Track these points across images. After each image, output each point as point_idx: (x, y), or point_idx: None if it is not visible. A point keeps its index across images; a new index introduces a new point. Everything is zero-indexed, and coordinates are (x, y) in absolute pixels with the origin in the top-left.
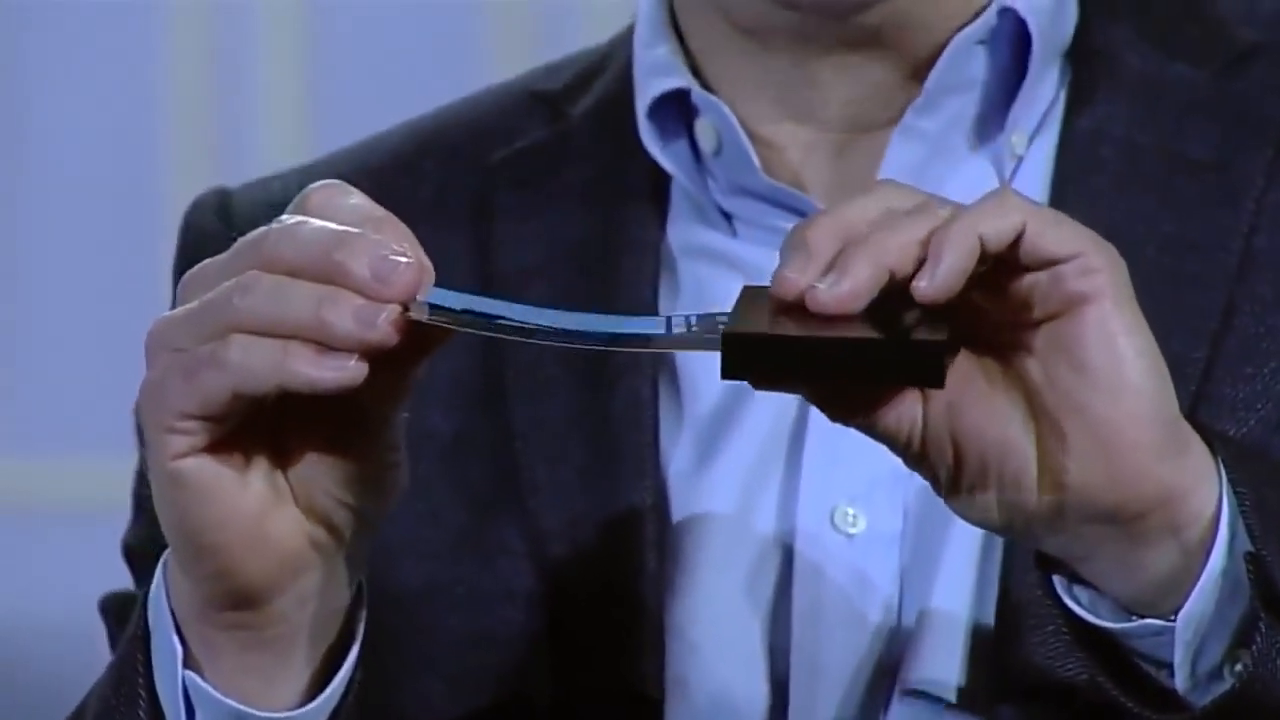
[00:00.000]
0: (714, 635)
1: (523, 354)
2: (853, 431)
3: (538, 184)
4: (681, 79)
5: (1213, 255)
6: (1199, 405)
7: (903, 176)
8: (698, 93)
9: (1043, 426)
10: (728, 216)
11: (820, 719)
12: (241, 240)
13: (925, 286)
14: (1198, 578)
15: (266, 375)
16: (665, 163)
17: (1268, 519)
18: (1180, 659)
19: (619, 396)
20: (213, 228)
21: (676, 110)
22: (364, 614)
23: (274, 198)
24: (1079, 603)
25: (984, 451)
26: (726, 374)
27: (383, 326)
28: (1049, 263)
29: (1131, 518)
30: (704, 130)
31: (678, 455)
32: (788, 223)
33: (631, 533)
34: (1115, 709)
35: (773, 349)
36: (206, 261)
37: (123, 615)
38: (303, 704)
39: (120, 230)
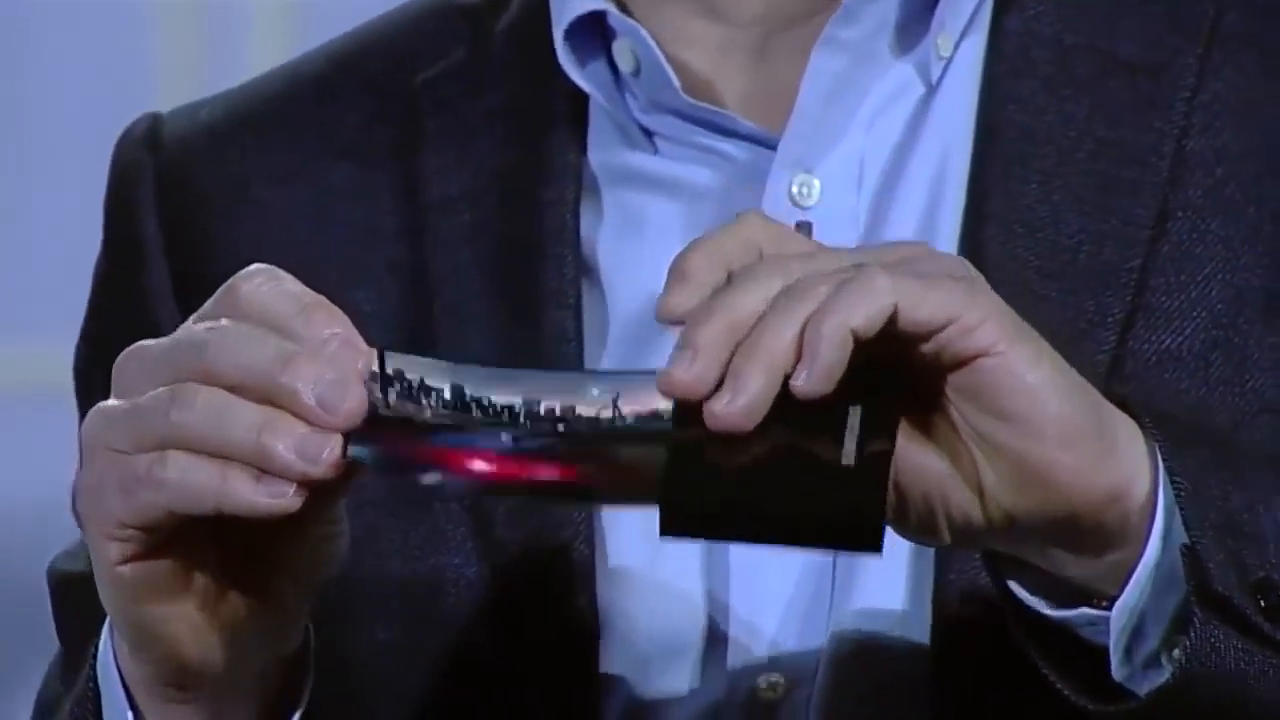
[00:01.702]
0: (648, 566)
1: (449, 290)
2: None
3: (460, 108)
4: (597, 0)
5: (1146, 160)
6: (1136, 316)
7: (825, 88)
8: (614, 15)
9: (977, 465)
10: (649, 134)
11: (759, 647)
12: (182, 332)
13: (802, 385)
14: (1133, 569)
15: (204, 498)
16: (584, 84)
17: (1205, 507)
18: (1115, 647)
19: (544, 330)
20: (141, 158)
21: (594, 31)
22: (311, 657)
23: (200, 125)
24: (1022, 589)
25: (926, 491)
26: (664, 534)
27: (325, 463)
28: (930, 333)
29: (1076, 523)
30: (621, 52)
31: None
32: (709, 139)
33: None
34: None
35: (709, 518)
36: (144, 345)
37: (67, 595)
38: None
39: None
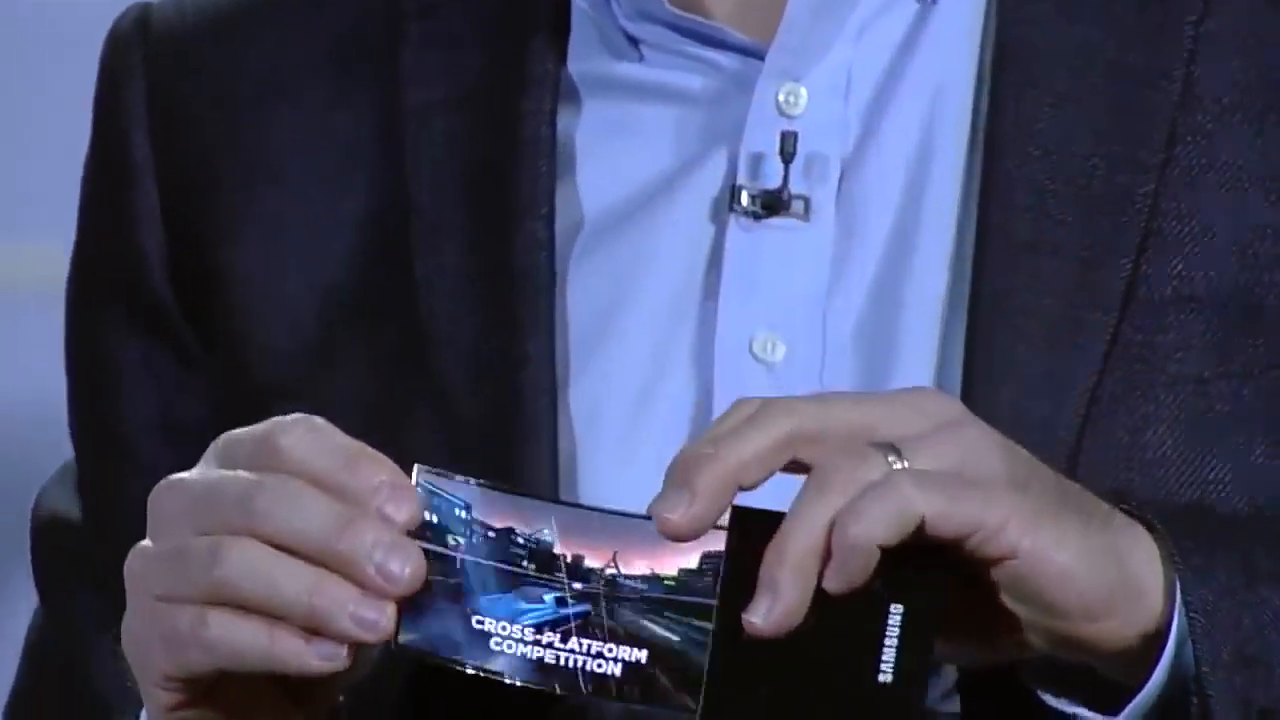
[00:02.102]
0: (627, 479)
1: (425, 200)
2: (770, 256)
3: (443, 14)
4: None
5: (1155, 83)
6: (1149, 241)
7: (813, 1)
8: None
9: (1013, 627)
10: (634, 42)
11: None
12: (223, 478)
13: (831, 586)
14: (1138, 689)
15: (251, 659)
16: None
17: (1218, 643)
18: None
19: (516, 241)
20: (130, 61)
21: None
22: None
23: (188, 26)
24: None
25: (961, 642)
26: None
27: (382, 631)
28: (958, 539)
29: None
30: None
31: (586, 294)
32: (697, 49)
33: (531, 383)
34: None
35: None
36: (183, 481)
37: (51, 542)
38: None
39: None
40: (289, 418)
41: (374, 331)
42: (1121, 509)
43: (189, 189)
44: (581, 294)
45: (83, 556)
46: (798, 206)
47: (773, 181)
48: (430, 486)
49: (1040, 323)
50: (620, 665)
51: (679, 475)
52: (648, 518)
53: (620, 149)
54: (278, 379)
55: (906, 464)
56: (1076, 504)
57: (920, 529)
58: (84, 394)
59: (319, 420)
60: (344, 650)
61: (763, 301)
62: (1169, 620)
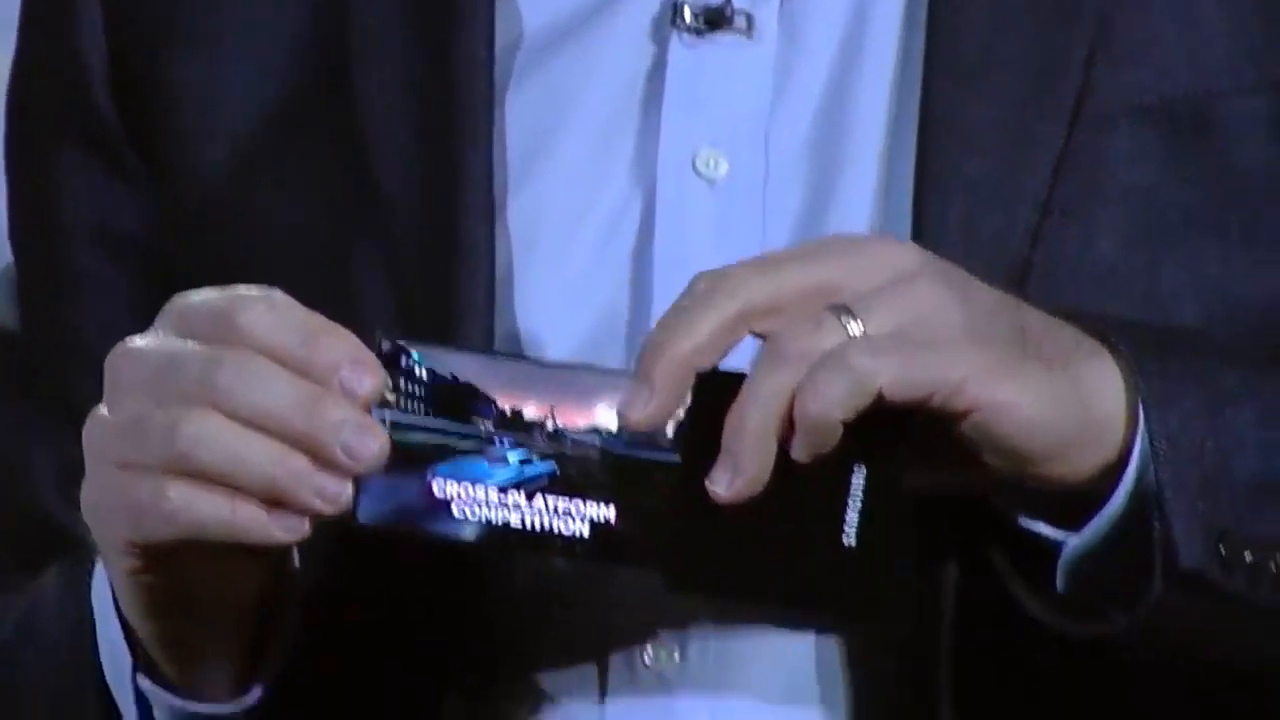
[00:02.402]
0: (563, 298)
1: (362, 12)
2: (714, 70)
3: None
4: None
5: None
6: (1098, 55)
7: None
8: None
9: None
10: None
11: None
12: (184, 352)
13: (796, 455)
14: (1094, 513)
15: (213, 530)
16: None
17: (1182, 470)
18: (1061, 571)
19: (455, 53)
20: None
21: None
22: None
23: None
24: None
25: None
26: (669, 592)
27: (342, 504)
28: (918, 402)
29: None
30: None
31: (525, 112)
32: None
33: (468, 201)
34: None
35: (715, 579)
36: (141, 350)
37: None
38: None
39: None
40: (248, 291)
41: (312, 149)
42: (1085, 328)
43: (130, 3)
44: (520, 112)
45: (18, 365)
46: (740, 22)
47: None
48: (392, 353)
49: (990, 136)
50: (588, 524)
51: (641, 371)
52: (617, 373)
53: None
54: (215, 195)
55: (861, 325)
56: (1037, 348)
57: (881, 395)
58: (23, 203)
59: (279, 294)
60: (305, 522)
61: (705, 118)
62: (1131, 443)
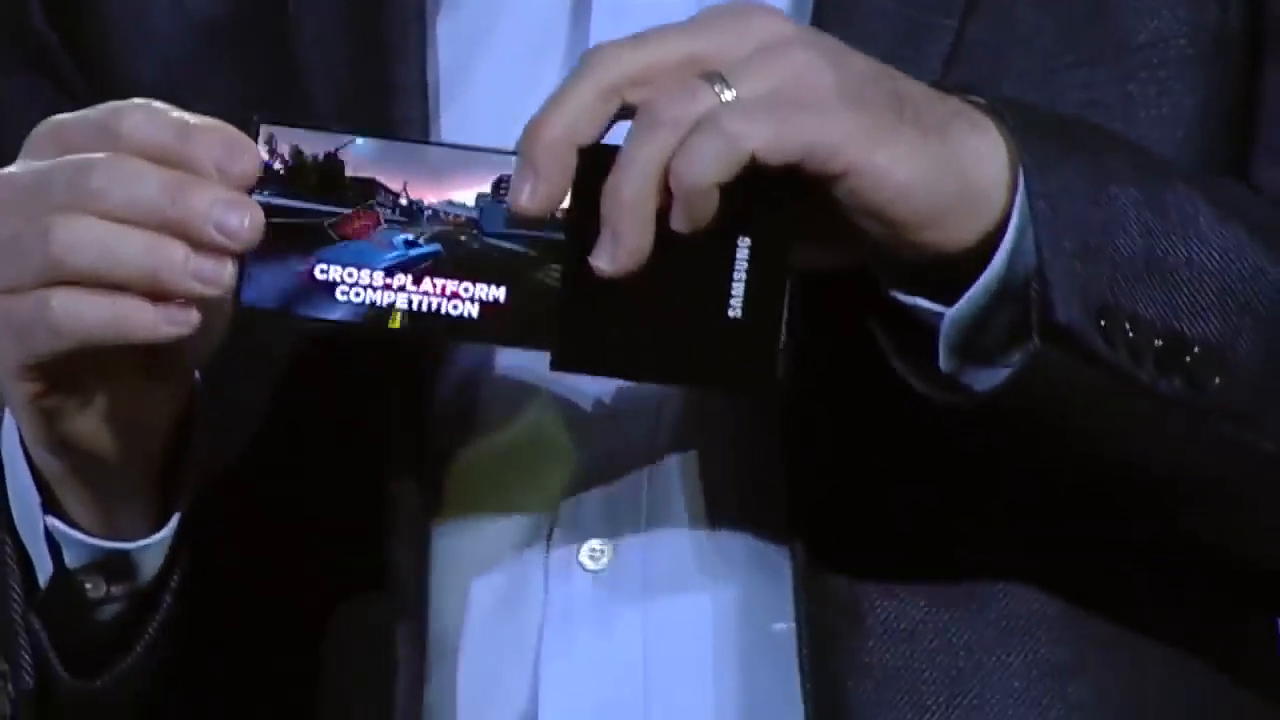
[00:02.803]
0: None
1: None
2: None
3: None
4: None
5: None
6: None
7: None
8: None
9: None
10: None
11: None
12: (51, 163)
13: (676, 226)
14: (976, 276)
15: (100, 333)
16: None
17: (1060, 231)
18: (944, 344)
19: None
20: None
21: None
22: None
23: None
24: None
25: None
26: (555, 369)
27: (223, 284)
28: (793, 164)
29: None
30: None
31: (456, 23)
32: None
33: (402, 113)
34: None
35: (602, 356)
36: (14, 170)
37: None
38: (150, 532)
39: None
40: (127, 102)
41: (246, 63)
42: (971, 103)
43: None
44: (451, 23)
45: None
46: None
47: None
48: (272, 138)
49: (883, 26)
50: (477, 305)
51: (523, 154)
52: (502, 151)
53: None
54: None
55: (734, 93)
56: (914, 113)
57: (756, 159)
58: None
59: (158, 103)
60: (192, 313)
61: (634, 20)
62: (1010, 210)
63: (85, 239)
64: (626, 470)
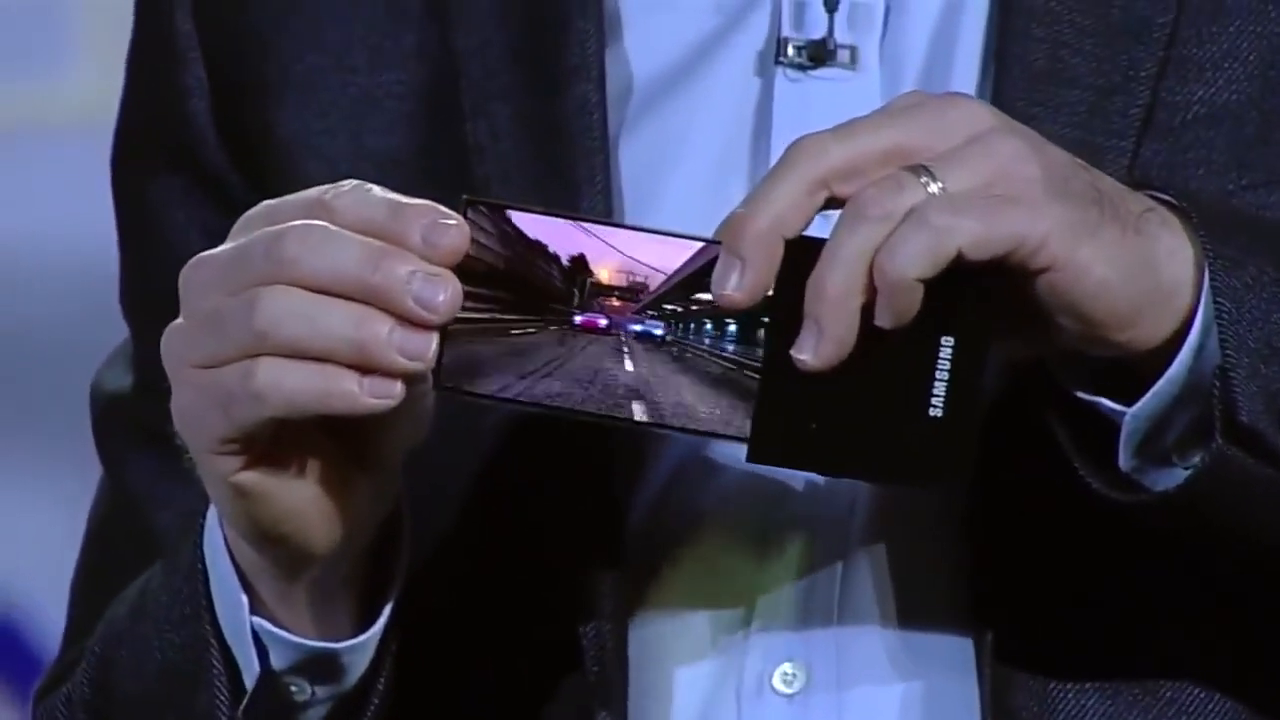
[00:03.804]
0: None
1: (474, 67)
2: (819, 108)
3: None
4: None
5: None
6: (1168, 68)
7: None
8: None
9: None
10: None
11: None
12: (255, 237)
13: (880, 322)
14: (1158, 376)
15: (303, 402)
16: None
17: (1245, 331)
18: (1125, 443)
19: (568, 103)
20: None
21: None
22: (407, 544)
23: None
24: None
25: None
26: (751, 460)
27: (429, 356)
28: (1000, 259)
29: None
30: None
31: (637, 156)
32: None
33: None
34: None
35: (797, 450)
36: (209, 254)
37: (112, 418)
38: (354, 632)
39: None
40: (341, 183)
41: (426, 198)
42: (1157, 198)
43: (233, 58)
44: (632, 156)
45: (135, 423)
46: (844, 56)
47: (818, 31)
48: (482, 218)
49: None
50: (676, 395)
51: (727, 245)
52: (714, 242)
53: (663, 8)
54: None
55: (941, 185)
56: (1113, 208)
57: (962, 255)
58: (143, 267)
59: (372, 185)
60: (395, 385)
61: None
62: (1195, 308)
63: (289, 310)
64: (820, 576)
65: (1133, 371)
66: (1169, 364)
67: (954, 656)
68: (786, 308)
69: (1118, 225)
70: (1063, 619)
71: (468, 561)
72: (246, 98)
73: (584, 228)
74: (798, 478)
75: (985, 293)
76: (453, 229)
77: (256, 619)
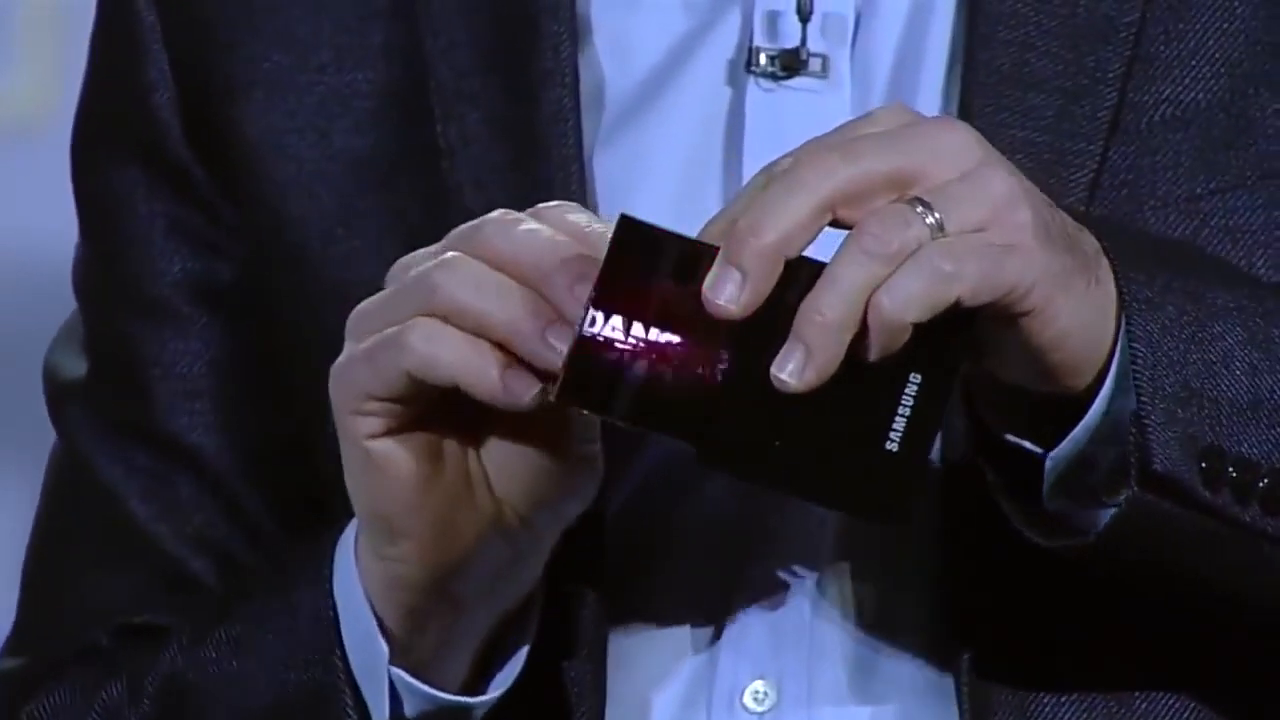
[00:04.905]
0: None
1: (443, 69)
2: (792, 117)
3: None
4: None
5: None
6: (1135, 67)
7: None
8: None
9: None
10: None
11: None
12: (426, 265)
13: (863, 354)
14: (1074, 424)
15: (446, 368)
16: None
17: (1160, 376)
18: (1047, 484)
19: (541, 108)
20: None
21: None
22: (539, 605)
23: None
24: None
25: None
26: (700, 463)
27: (556, 363)
28: (990, 305)
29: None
30: None
31: (610, 164)
32: None
33: None
34: None
35: (747, 460)
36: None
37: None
38: (466, 687)
39: None
40: (499, 214)
41: (394, 198)
42: (1096, 228)
43: (199, 54)
44: (606, 167)
45: (93, 411)
46: (815, 65)
47: (790, 41)
48: (630, 240)
49: (1027, 156)
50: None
51: (728, 255)
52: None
53: (633, 13)
54: (296, 244)
55: (938, 218)
56: (1081, 255)
57: (960, 301)
58: (104, 257)
59: (522, 215)
60: (534, 388)
61: (789, 149)
62: (1113, 350)
63: (464, 275)
64: (789, 596)
65: (1059, 410)
66: (1090, 406)
67: (929, 674)
68: (768, 322)
69: (1085, 275)
70: (1039, 636)
71: None
72: (212, 94)
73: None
74: (771, 495)
75: (960, 336)
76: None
77: (396, 670)
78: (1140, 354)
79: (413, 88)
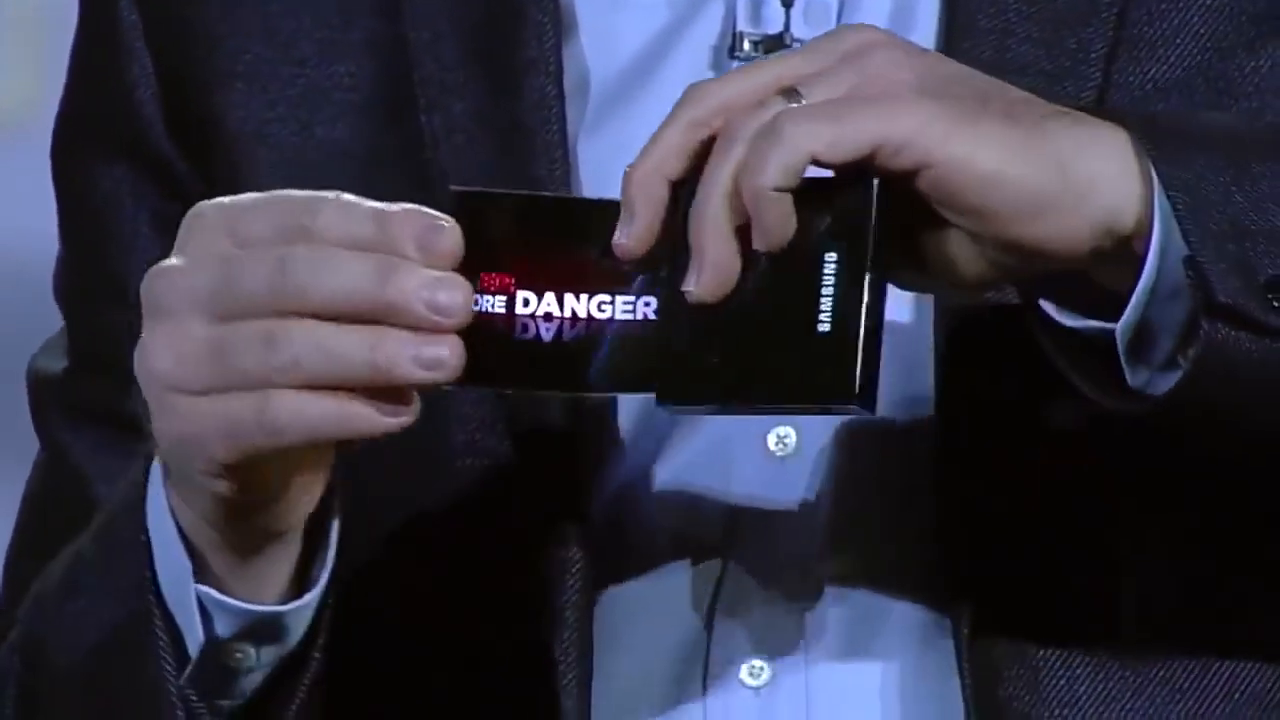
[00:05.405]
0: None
1: (427, 61)
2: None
3: None
4: None
5: None
6: (1119, 49)
7: None
8: None
9: (964, 242)
10: None
11: None
12: (250, 257)
13: (759, 244)
14: (1133, 289)
15: (328, 433)
16: None
17: (1205, 216)
18: (1125, 357)
19: (525, 97)
20: None
21: None
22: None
23: None
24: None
25: (921, 265)
26: (660, 405)
27: (450, 366)
28: (861, 161)
29: (1074, 264)
30: None
31: (595, 152)
32: None
33: None
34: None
35: (701, 389)
36: (178, 269)
37: (47, 396)
38: (290, 597)
39: None
40: (313, 195)
41: (377, 188)
42: (1091, 111)
43: (180, 50)
44: (592, 155)
45: (70, 402)
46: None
47: (774, 26)
48: (472, 210)
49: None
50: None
51: (622, 194)
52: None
53: (616, 3)
54: None
55: (803, 99)
56: (1004, 108)
57: (820, 161)
58: (89, 256)
59: (347, 195)
60: (413, 405)
61: None
62: (1150, 220)
63: (308, 344)
64: (787, 568)
65: (1108, 292)
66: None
67: (929, 649)
68: (679, 253)
69: (1006, 120)
70: (1046, 603)
71: (438, 549)
72: (194, 89)
73: (578, 203)
74: (765, 469)
75: (863, 204)
76: (446, 231)
77: (202, 588)
78: (1180, 199)
79: (395, 81)
